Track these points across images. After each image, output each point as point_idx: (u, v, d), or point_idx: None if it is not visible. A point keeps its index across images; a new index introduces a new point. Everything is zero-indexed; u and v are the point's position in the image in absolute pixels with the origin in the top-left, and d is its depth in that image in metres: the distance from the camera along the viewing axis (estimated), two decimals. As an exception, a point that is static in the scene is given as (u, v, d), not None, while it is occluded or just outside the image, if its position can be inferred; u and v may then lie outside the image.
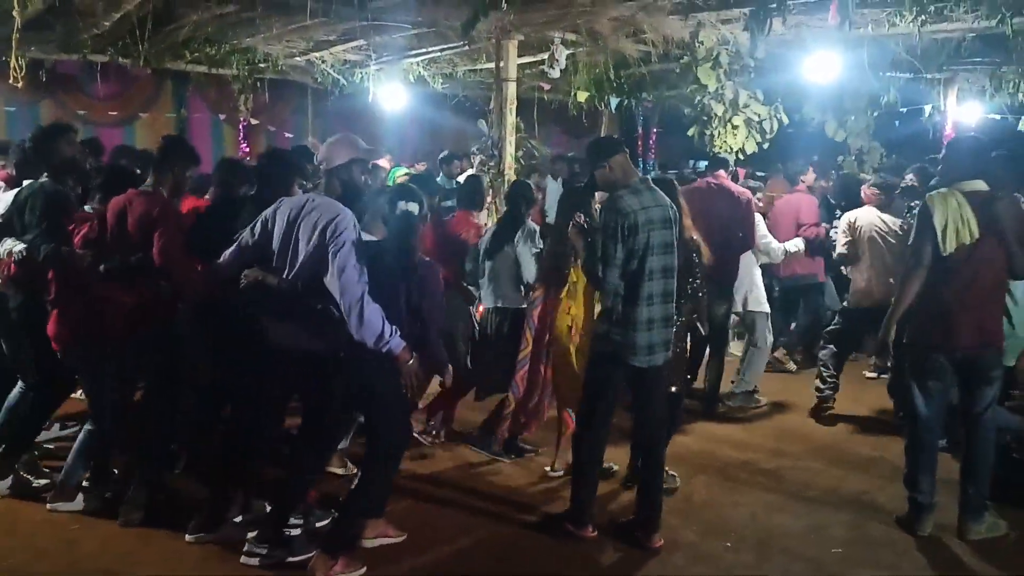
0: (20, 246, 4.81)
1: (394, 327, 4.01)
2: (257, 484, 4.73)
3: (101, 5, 7.76)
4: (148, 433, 4.88)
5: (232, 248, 4.36)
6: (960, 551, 4.61)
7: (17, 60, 6.83)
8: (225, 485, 4.63)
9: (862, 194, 6.92)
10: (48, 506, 4.84)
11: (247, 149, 11.69)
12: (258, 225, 4.29)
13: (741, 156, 8.96)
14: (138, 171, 5.38)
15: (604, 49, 8.88)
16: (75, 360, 4.83)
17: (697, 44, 8.24)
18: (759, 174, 9.33)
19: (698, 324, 5.40)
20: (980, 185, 4.59)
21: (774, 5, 4.67)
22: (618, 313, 4.47)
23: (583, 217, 4.74)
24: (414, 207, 4.17)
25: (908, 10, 7.03)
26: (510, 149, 8.45)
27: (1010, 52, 9.01)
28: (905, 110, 10.98)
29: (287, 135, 12.93)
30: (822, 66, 8.46)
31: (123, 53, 9.34)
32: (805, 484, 5.45)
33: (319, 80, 11.13)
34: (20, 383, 5.23)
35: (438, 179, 9.57)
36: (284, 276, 4.16)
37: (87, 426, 4.86)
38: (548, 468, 5.56)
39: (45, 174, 5.04)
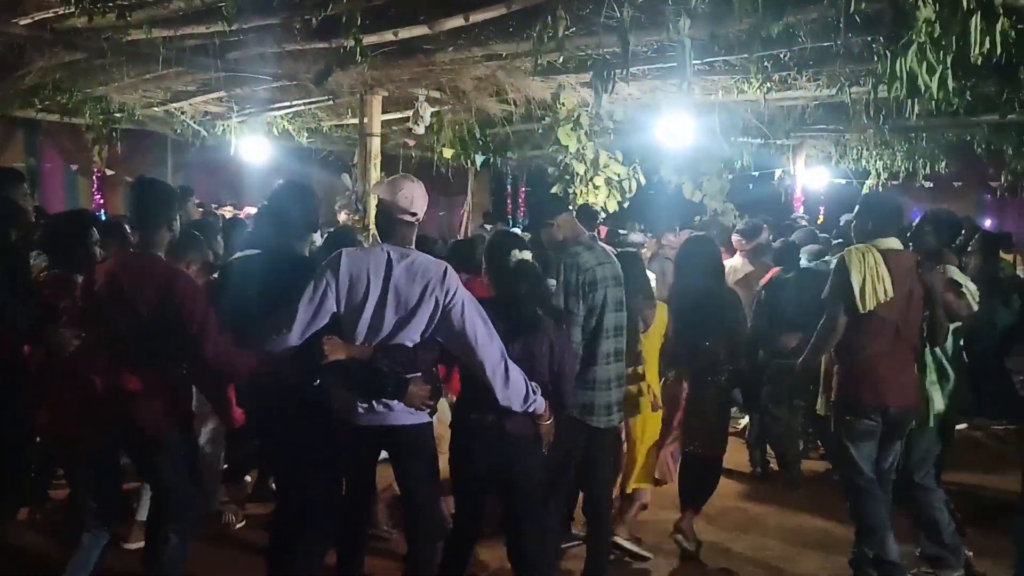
0: None
1: (535, 385, 3.71)
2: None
3: (-62, 48, 7.38)
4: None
5: (298, 317, 3.57)
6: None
7: None
8: None
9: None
10: None
11: (101, 201, 11.25)
12: (325, 286, 3.59)
13: (604, 214, 9.16)
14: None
15: (468, 107, 8.96)
16: (75, 453, 4.07)
17: (558, 105, 8.43)
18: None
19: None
20: (895, 243, 4.54)
21: (617, 69, 4.79)
22: (580, 373, 4.25)
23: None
24: (528, 255, 3.89)
25: (754, 77, 7.36)
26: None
27: (851, 120, 9.57)
28: (757, 173, 11.50)
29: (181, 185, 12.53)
30: (676, 129, 8.79)
31: (-34, 99, 8.90)
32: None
33: (179, 131, 10.85)
34: None
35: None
36: (385, 342, 3.60)
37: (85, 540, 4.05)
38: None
39: None
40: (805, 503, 6.06)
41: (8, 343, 4.22)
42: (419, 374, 3.64)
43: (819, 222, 11.58)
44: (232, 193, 11.46)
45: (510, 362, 3.65)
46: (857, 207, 4.83)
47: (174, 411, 3.89)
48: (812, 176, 12.44)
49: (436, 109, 9.14)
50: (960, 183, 14.31)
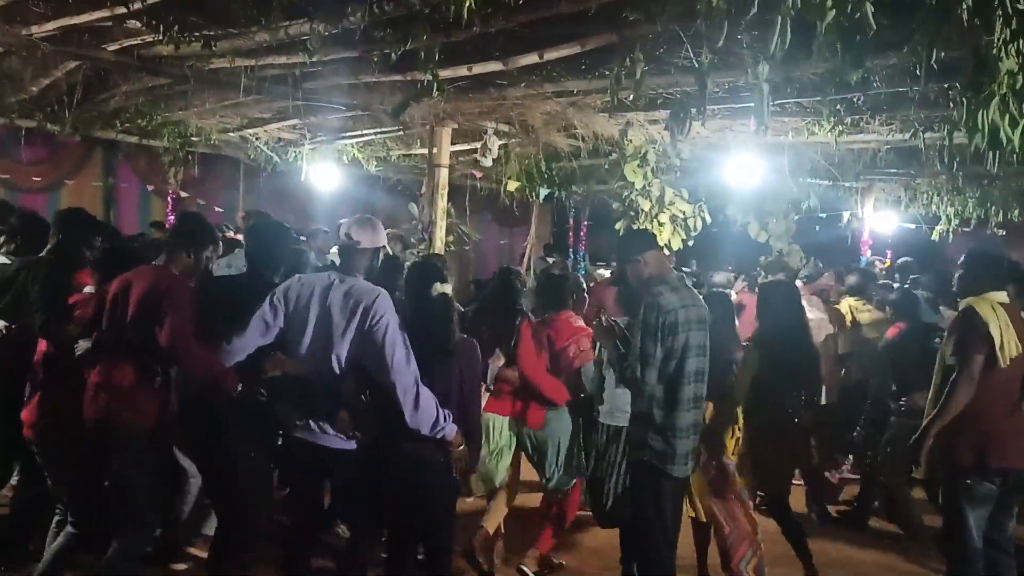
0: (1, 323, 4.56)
1: (447, 411, 3.84)
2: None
3: (30, 71, 7.66)
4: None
5: (247, 332, 3.97)
6: None
7: (-63, 121, 6.67)
8: None
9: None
10: None
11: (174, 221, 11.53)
12: (275, 306, 3.98)
13: (667, 252, 9.13)
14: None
15: (536, 141, 9.04)
16: (49, 450, 4.35)
17: (626, 142, 8.44)
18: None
19: None
20: (1004, 297, 4.40)
21: (693, 109, 4.80)
22: (658, 418, 4.18)
23: (607, 315, 4.55)
24: (447, 288, 4.06)
25: (826, 120, 7.32)
26: (440, 233, 8.48)
27: (923, 165, 9.43)
28: (824, 215, 11.38)
29: (217, 209, 12.80)
30: (744, 169, 8.74)
31: (51, 119, 9.21)
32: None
33: (252, 156, 11.12)
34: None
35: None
36: (320, 363, 3.89)
37: (68, 529, 4.31)
38: None
39: (48, 250, 4.72)
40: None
41: (27, 341, 4.46)
42: (349, 400, 3.89)
43: (886, 266, 11.42)
44: (300, 218, 11.64)
45: (423, 388, 3.80)
46: (963, 260, 4.63)
47: (148, 416, 4.14)
48: (880, 220, 12.27)
49: (504, 142, 9.22)
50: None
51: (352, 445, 3.95)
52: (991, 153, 3.88)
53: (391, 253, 4.35)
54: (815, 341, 5.74)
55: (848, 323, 6.86)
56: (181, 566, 5.03)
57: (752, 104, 5.79)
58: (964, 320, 4.35)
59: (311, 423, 3.92)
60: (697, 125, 7.55)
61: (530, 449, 5.31)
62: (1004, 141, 3.72)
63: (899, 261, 8.41)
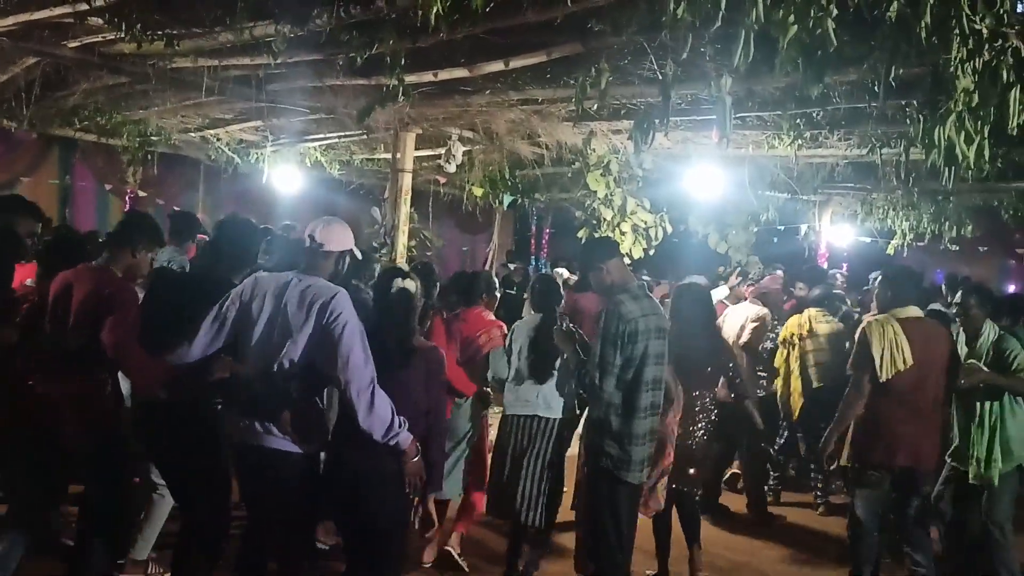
0: None
1: (403, 419, 3.69)
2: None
3: (-13, 65, 7.54)
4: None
5: (200, 334, 3.83)
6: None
7: None
8: None
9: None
10: None
11: (132, 221, 11.37)
12: (228, 306, 3.84)
13: (628, 261, 9.19)
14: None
15: (500, 148, 9.06)
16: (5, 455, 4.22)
17: (589, 151, 8.50)
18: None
19: None
20: (914, 311, 4.99)
21: (656, 120, 4.85)
22: (614, 425, 4.24)
23: (567, 321, 4.62)
24: (411, 284, 3.97)
25: (786, 134, 7.42)
26: (403, 238, 8.47)
27: (880, 180, 9.59)
28: (783, 228, 11.54)
29: (176, 209, 12.68)
30: (705, 181, 8.85)
31: (8, 115, 9.06)
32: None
33: (213, 157, 11.00)
34: None
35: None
36: (269, 363, 3.73)
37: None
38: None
39: None
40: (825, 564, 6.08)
41: None
42: (297, 401, 3.74)
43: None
44: (260, 220, 11.56)
45: (379, 391, 3.66)
46: (879, 278, 5.27)
47: (99, 422, 4.09)
48: (837, 233, 12.46)
49: (468, 148, 9.23)
50: (985, 248, 14.29)
51: (298, 448, 3.78)
52: (947, 169, 3.97)
53: (359, 257, 4.24)
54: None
55: (806, 332, 6.98)
56: None
57: (714, 116, 5.90)
58: (859, 340, 4.97)
59: (256, 425, 3.74)
60: (660, 136, 7.62)
61: None
62: (960, 157, 3.81)
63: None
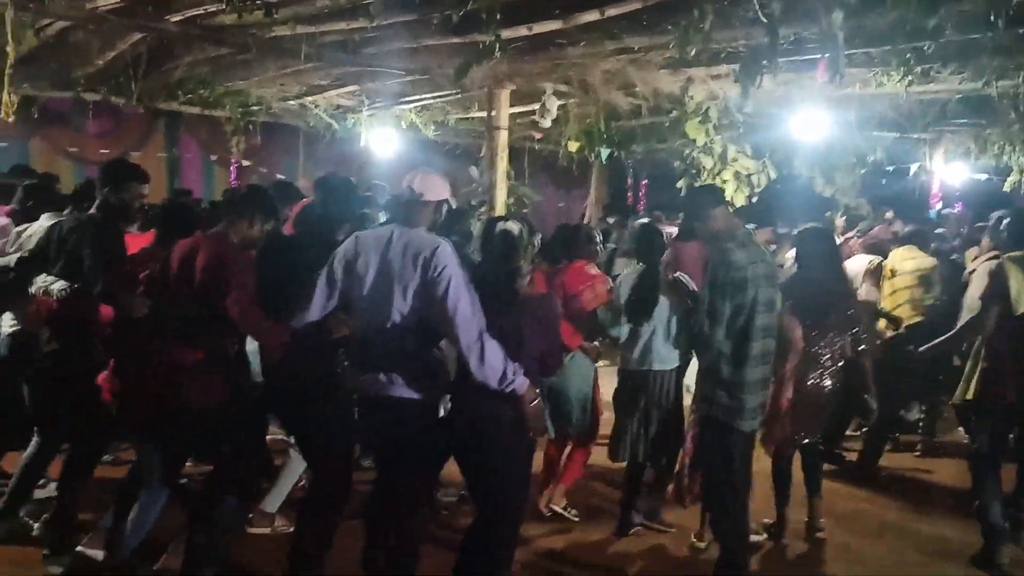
0: (61, 284, 4.44)
1: (517, 364, 3.69)
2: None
3: (95, 44, 7.78)
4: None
5: (315, 296, 3.90)
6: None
7: (9, 96, 6.80)
8: None
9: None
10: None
11: (237, 190, 11.69)
12: (336, 266, 3.89)
13: (729, 209, 9.01)
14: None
15: (595, 101, 8.96)
16: (130, 418, 4.35)
17: (687, 99, 8.32)
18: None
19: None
20: None
21: (765, 61, 4.70)
22: (725, 374, 4.20)
23: (675, 272, 4.62)
24: (515, 226, 3.97)
25: (895, 70, 7.12)
26: (501, 196, 8.48)
27: (995, 114, 9.14)
28: (892, 168, 11.11)
29: (279, 177, 12.98)
30: (810, 123, 8.58)
31: (116, 91, 9.35)
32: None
33: (311, 124, 11.18)
34: (36, 438, 4.88)
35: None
36: (384, 318, 3.77)
37: (142, 497, 4.37)
38: (695, 540, 5.20)
39: (94, 207, 4.72)
40: (939, 510, 5.95)
41: (85, 307, 4.46)
42: (418, 355, 3.78)
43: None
44: (358, 184, 11.75)
45: (489, 340, 3.64)
46: (1009, 218, 5.20)
47: (225, 386, 4.16)
48: (950, 171, 11.95)
49: (563, 102, 9.14)
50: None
51: (424, 396, 3.83)
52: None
53: (454, 207, 4.24)
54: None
55: (890, 272, 6.80)
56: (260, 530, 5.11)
57: (819, 56, 5.71)
58: (993, 273, 4.93)
59: (380, 376, 3.80)
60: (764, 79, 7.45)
61: (548, 395, 5.25)
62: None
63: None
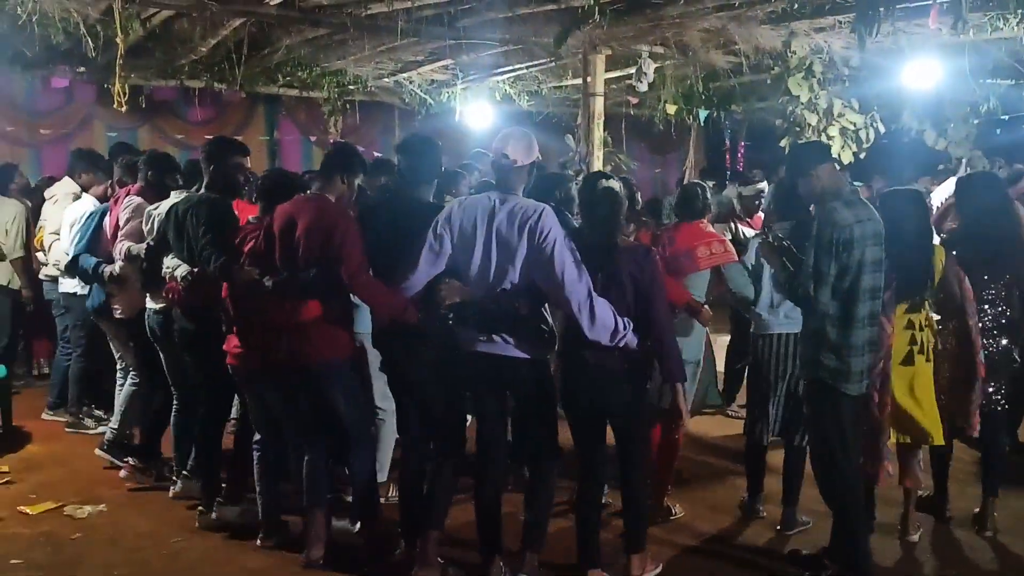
0: (185, 268, 4.69)
1: (626, 320, 3.82)
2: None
3: (198, 31, 7.99)
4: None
5: (421, 263, 4.01)
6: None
7: (121, 86, 7.04)
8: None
9: None
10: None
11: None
12: (441, 232, 3.98)
13: (836, 166, 8.74)
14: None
15: (693, 61, 8.76)
16: (254, 385, 4.54)
17: (789, 54, 8.06)
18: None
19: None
20: None
21: (881, 8, 4.50)
22: (832, 336, 4.11)
23: (773, 233, 4.50)
24: (616, 184, 4.03)
25: (1012, 13, 6.75)
26: (598, 163, 8.39)
27: (1121, 53, 8.62)
28: (1007, 117, 10.57)
29: (376, 154, 13.11)
30: (921, 73, 8.21)
31: (218, 78, 9.60)
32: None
33: (406, 100, 11.27)
34: (176, 406, 5.31)
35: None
36: (494, 284, 3.91)
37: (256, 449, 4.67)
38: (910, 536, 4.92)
39: (203, 187, 4.93)
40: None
41: (209, 288, 4.60)
42: (529, 319, 3.91)
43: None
44: (455, 158, 11.79)
45: (597, 298, 3.78)
46: None
47: (341, 344, 4.31)
48: (1070, 118, 11.32)
49: (659, 64, 8.97)
50: None
51: (537, 356, 4.00)
52: None
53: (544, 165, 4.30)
54: None
55: None
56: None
57: (929, 2, 5.45)
58: None
59: (495, 337, 3.93)
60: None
61: None
62: None
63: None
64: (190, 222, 4.72)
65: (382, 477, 5.20)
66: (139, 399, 5.82)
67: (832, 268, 4.03)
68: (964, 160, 9.25)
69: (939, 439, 4.64)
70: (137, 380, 5.82)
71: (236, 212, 4.92)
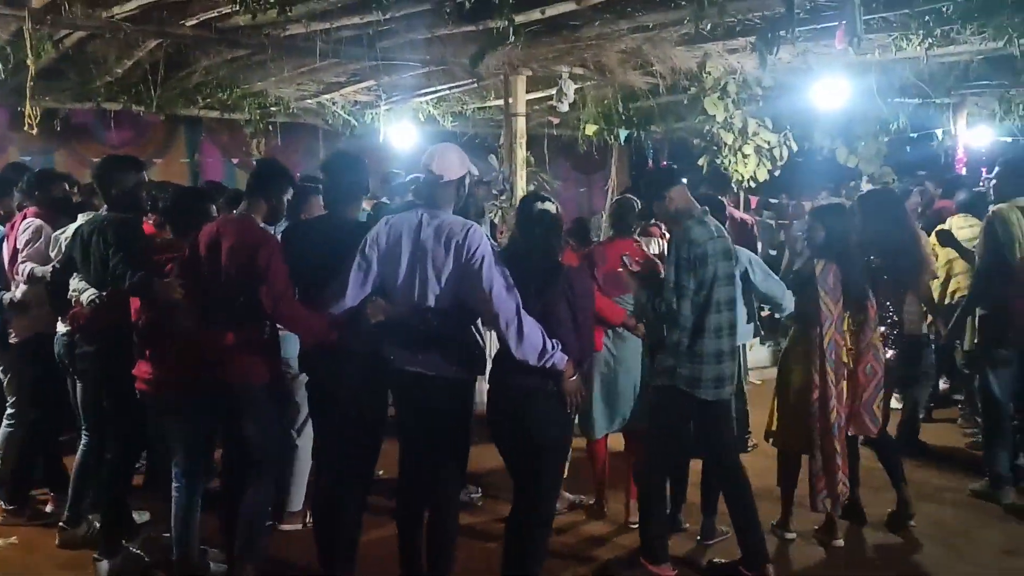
0: (91, 292, 4.52)
1: (555, 340, 3.77)
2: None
3: (114, 53, 7.86)
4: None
5: (350, 283, 3.93)
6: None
7: (32, 109, 6.88)
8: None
9: None
10: None
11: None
12: (369, 251, 3.93)
13: (752, 184, 8.97)
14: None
15: (612, 82, 8.92)
16: (165, 408, 4.34)
17: (704, 75, 8.27)
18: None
19: None
20: None
21: (782, 32, 4.66)
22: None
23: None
24: (551, 206, 4.01)
25: (914, 34, 7.03)
26: (521, 183, 8.47)
27: (1018, 74, 9.02)
28: (915, 135, 10.97)
29: (298, 175, 13.00)
30: (830, 92, 8.47)
31: (136, 100, 9.42)
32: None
33: (330, 122, 11.22)
34: (84, 439, 4.95)
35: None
36: (420, 301, 3.86)
37: (175, 483, 4.35)
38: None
39: (104, 208, 4.80)
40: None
41: (123, 304, 4.46)
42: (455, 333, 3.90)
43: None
44: (380, 180, 11.77)
45: (526, 316, 3.72)
46: (996, 169, 5.65)
47: (262, 370, 4.18)
48: (974, 135, 11.78)
49: (579, 85, 9.12)
50: None
51: (463, 375, 3.97)
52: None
53: (477, 174, 4.26)
54: None
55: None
56: (291, 527, 5.18)
57: (835, 22, 5.65)
58: (987, 227, 5.32)
59: (419, 356, 3.89)
60: (776, 49, 7.37)
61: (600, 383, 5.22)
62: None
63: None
64: (97, 244, 4.57)
65: (297, 505, 5.16)
66: (15, 441, 5.44)
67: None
68: (864, 177, 9.58)
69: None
70: (12, 421, 5.42)
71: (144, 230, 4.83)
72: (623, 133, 11.12)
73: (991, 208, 5.42)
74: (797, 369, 4.88)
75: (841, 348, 4.76)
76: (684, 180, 4.56)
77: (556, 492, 4.24)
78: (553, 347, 3.75)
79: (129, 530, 4.82)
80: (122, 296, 4.44)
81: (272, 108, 10.51)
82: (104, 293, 4.54)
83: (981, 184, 9.16)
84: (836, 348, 4.72)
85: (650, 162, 15.23)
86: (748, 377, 6.12)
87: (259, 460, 4.25)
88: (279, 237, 4.34)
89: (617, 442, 5.53)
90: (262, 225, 4.27)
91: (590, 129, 10.76)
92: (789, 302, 5.08)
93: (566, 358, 3.79)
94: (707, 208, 4.58)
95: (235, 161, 12.82)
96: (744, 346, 5.45)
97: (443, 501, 4.09)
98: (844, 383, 4.78)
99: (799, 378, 4.86)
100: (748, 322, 5.21)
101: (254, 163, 11.60)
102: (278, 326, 4.28)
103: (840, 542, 4.99)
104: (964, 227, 6.79)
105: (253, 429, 4.20)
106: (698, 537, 5.07)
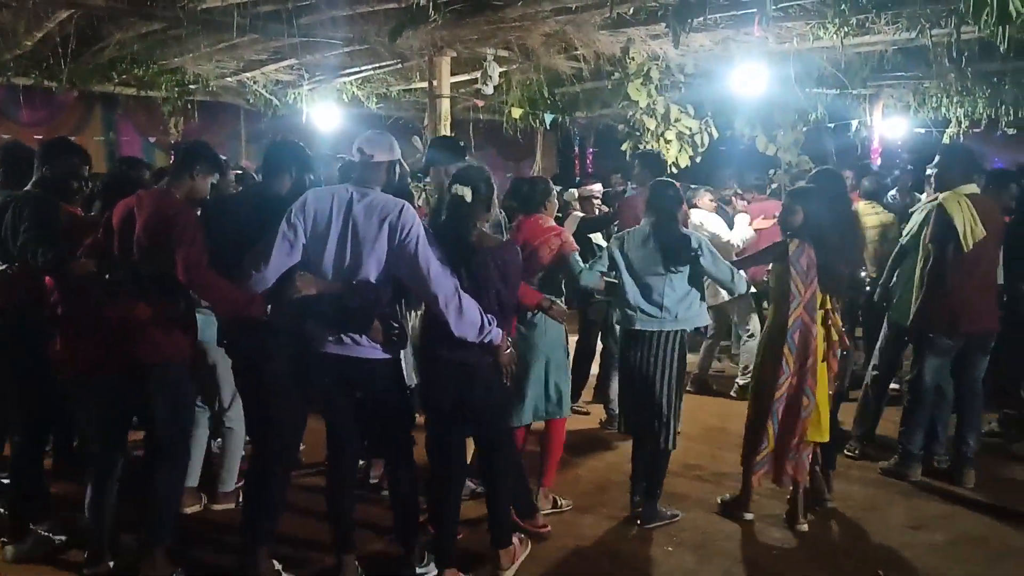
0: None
1: (491, 316, 3.86)
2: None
3: (22, 24, 7.58)
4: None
5: (273, 255, 3.83)
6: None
7: (-67, 82, 6.61)
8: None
9: None
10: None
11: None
12: (294, 223, 3.85)
13: (674, 170, 9.06)
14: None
15: (537, 66, 8.92)
16: (84, 389, 4.19)
17: (628, 60, 8.32)
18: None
19: None
20: (974, 188, 5.33)
21: (696, 12, 4.70)
22: None
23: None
24: (467, 191, 3.97)
25: (831, 23, 7.17)
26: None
27: (930, 66, 9.27)
28: (833, 125, 11.22)
29: (221, 157, 12.73)
30: (750, 80, 8.57)
31: (48, 75, 9.12)
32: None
33: (252, 101, 11.01)
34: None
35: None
36: (348, 277, 3.82)
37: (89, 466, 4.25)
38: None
39: (30, 184, 4.57)
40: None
41: (32, 282, 4.32)
42: (382, 311, 3.86)
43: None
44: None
45: (464, 295, 3.81)
46: (938, 158, 5.49)
47: (175, 347, 4.11)
48: (890, 126, 12.11)
49: (504, 69, 9.10)
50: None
51: (388, 355, 3.93)
52: (1001, 31, 3.80)
53: (406, 168, 4.27)
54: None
55: None
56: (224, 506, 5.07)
57: (755, 10, 5.72)
58: (938, 215, 5.23)
59: (343, 337, 3.86)
60: (700, 36, 7.47)
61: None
62: (1013, 14, 3.64)
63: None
64: (8, 219, 4.38)
65: (230, 485, 5.08)
66: None
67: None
68: (783, 166, 9.77)
69: (826, 435, 4.85)
70: None
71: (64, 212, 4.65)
72: (548, 117, 11.14)
73: (939, 197, 5.32)
74: (763, 345, 4.95)
75: (809, 331, 4.67)
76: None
77: (511, 449, 4.44)
78: (490, 323, 3.86)
79: (44, 512, 4.63)
80: (31, 274, 4.28)
81: (191, 86, 10.27)
82: (5, 267, 4.37)
83: (896, 173, 9.46)
84: (802, 329, 4.67)
85: (575, 149, 15.38)
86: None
87: (168, 442, 4.14)
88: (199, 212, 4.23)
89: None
90: None
91: (516, 112, 10.74)
92: (740, 284, 5.00)
93: (502, 332, 3.92)
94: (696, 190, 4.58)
95: (152, 140, 12.52)
96: None
97: (403, 473, 4.11)
98: (809, 367, 4.71)
99: (761, 353, 4.96)
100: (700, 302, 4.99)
101: (171, 144, 11.41)
102: (195, 301, 4.20)
103: (750, 516, 5.05)
104: (871, 214, 7.00)
105: (164, 410, 4.09)
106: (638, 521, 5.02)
